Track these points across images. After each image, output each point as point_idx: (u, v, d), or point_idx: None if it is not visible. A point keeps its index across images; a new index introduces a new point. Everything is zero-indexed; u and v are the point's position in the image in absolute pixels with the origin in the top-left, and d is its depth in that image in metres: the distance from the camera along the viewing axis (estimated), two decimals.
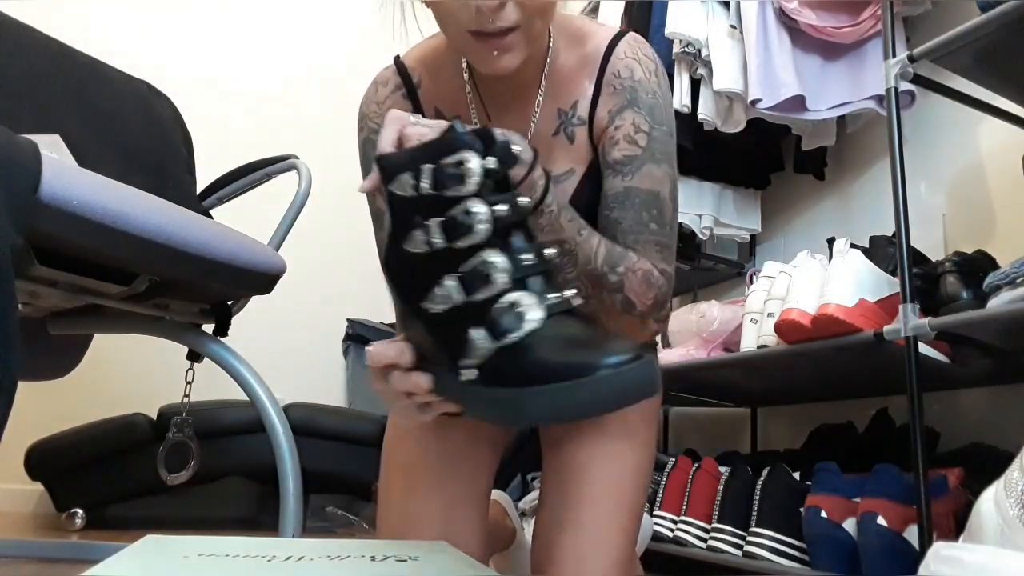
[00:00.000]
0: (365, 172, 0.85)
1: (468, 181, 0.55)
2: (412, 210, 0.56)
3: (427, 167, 0.55)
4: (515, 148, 0.59)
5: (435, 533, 0.80)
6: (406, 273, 0.59)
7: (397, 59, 0.87)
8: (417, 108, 0.85)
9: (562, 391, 0.49)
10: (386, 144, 0.60)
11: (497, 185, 0.56)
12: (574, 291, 0.56)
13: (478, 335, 0.53)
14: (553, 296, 0.55)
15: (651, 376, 0.50)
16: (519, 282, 0.54)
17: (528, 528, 1.37)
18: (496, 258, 0.54)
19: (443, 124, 0.61)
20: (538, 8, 0.70)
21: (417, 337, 0.59)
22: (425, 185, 0.55)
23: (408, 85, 0.85)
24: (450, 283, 0.55)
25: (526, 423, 0.55)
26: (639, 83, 0.80)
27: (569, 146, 0.82)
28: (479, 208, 0.54)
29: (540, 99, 0.82)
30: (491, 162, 0.56)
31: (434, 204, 0.55)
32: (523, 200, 0.57)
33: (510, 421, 0.54)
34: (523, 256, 0.55)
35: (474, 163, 0.55)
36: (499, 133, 0.59)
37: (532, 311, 0.53)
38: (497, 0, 0.66)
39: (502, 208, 0.55)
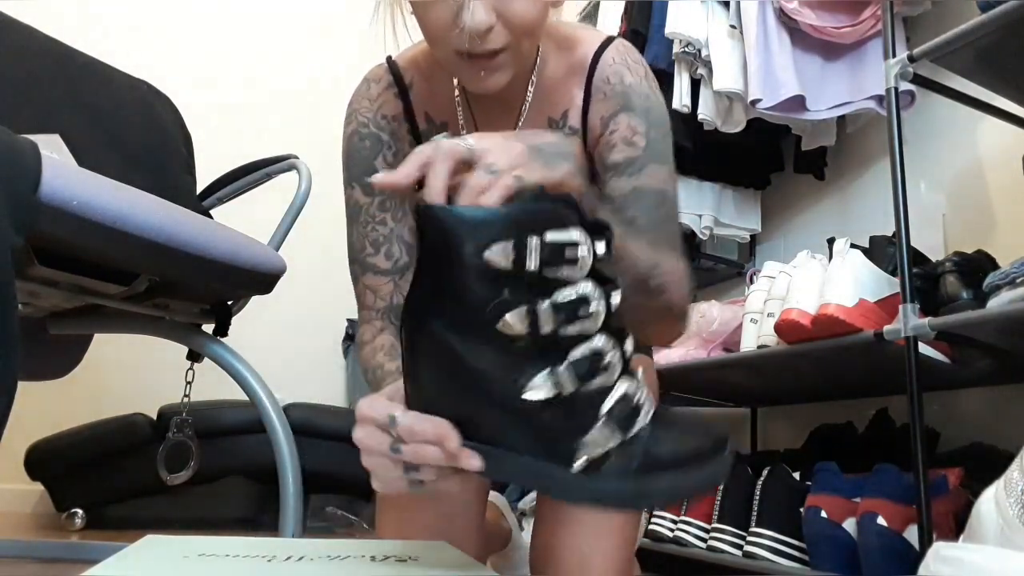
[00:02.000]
0: (348, 168, 0.86)
1: (583, 266, 0.49)
2: (505, 285, 0.48)
3: (535, 241, 0.48)
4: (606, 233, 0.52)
5: (433, 533, 0.80)
6: (484, 350, 0.50)
7: (389, 59, 0.87)
8: (408, 109, 0.85)
9: (680, 477, 0.50)
10: (438, 184, 0.52)
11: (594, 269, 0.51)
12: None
13: (600, 431, 0.50)
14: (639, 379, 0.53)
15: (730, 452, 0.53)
16: (623, 374, 0.51)
17: (528, 528, 1.37)
18: (608, 347, 0.50)
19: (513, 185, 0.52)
20: (526, 30, 0.69)
21: (458, 408, 0.51)
22: (532, 263, 0.48)
23: (400, 86, 0.85)
24: (564, 375, 0.49)
25: (631, 508, 0.53)
26: (630, 87, 0.80)
27: None
28: (595, 295, 0.50)
29: (526, 108, 0.82)
30: (601, 248, 0.51)
31: (540, 284, 0.49)
32: (616, 296, 0.52)
33: (613, 507, 0.53)
34: (626, 344, 0.52)
35: (586, 246, 0.49)
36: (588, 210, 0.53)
37: (647, 402, 0.52)
38: (485, 25, 0.66)
39: (615, 297, 0.51)
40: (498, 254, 0.47)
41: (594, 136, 0.82)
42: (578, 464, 0.50)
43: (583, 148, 0.82)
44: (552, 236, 0.48)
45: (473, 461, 0.50)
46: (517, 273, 0.48)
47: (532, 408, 0.49)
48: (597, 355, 0.50)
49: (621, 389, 0.51)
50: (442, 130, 0.84)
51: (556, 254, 0.48)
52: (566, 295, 0.49)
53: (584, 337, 0.50)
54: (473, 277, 0.48)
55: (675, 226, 0.80)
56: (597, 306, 0.50)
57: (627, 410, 0.51)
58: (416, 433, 0.51)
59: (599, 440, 0.50)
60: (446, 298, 0.50)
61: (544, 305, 0.48)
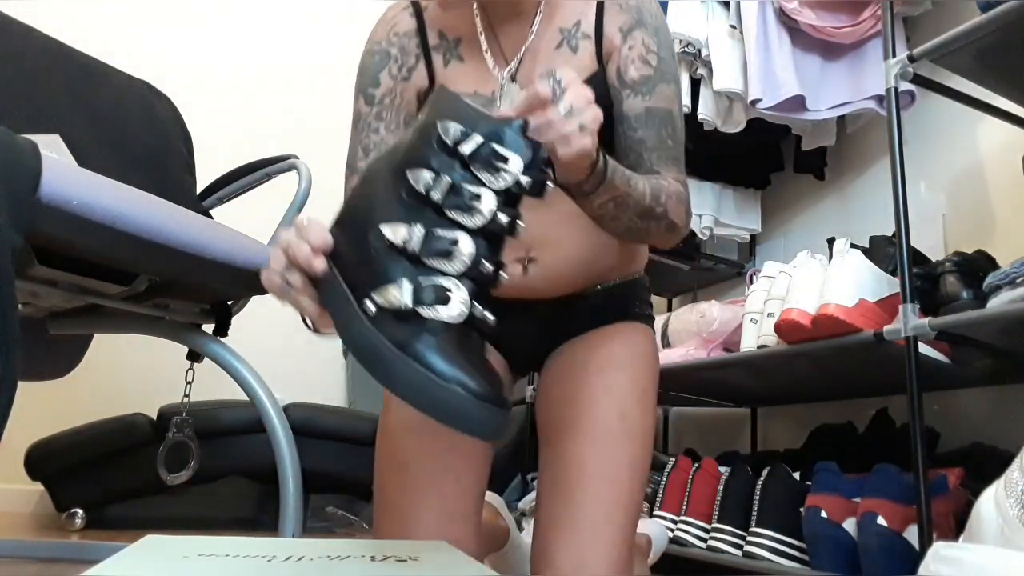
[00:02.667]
0: (358, 80, 0.92)
1: (498, 179, 0.57)
2: (437, 155, 0.57)
3: (478, 138, 0.57)
4: (548, 187, 0.60)
5: (430, 533, 0.80)
6: (389, 187, 0.59)
7: None
8: (421, 28, 0.91)
9: (421, 378, 0.52)
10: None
11: (510, 198, 0.58)
12: (492, 317, 0.58)
13: (403, 288, 0.55)
14: (479, 309, 0.56)
15: (494, 422, 0.52)
16: (464, 278, 0.56)
17: (528, 528, 1.37)
18: (468, 247, 0.56)
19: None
20: None
21: (351, 246, 0.60)
22: (465, 149, 0.56)
23: (416, 8, 0.92)
24: (417, 232, 0.56)
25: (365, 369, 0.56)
26: (643, 3, 0.88)
27: (571, 56, 0.87)
28: (489, 204, 0.56)
29: (539, 17, 0.88)
30: (525, 182, 0.58)
31: (458, 166, 0.57)
32: (520, 225, 0.59)
33: (361, 360, 0.56)
34: (487, 265, 0.57)
35: (513, 169, 0.57)
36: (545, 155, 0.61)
37: (456, 307, 0.55)
38: None
39: (501, 219, 0.57)
40: (448, 129, 0.57)
41: (610, 45, 0.87)
42: (367, 304, 0.55)
43: (596, 54, 0.87)
44: (495, 146, 0.57)
45: (318, 264, 0.58)
46: (451, 152, 0.57)
47: (383, 250, 0.56)
48: (454, 242, 0.56)
49: (449, 281, 0.55)
50: (456, 45, 0.90)
51: (487, 159, 0.57)
52: (468, 189, 0.56)
53: (456, 223, 0.56)
54: (425, 136, 0.58)
55: (680, 143, 0.88)
56: (485, 214, 0.56)
57: (434, 296, 0.55)
58: (307, 230, 0.59)
59: (393, 295, 0.55)
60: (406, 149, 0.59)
61: (445, 180, 0.56)
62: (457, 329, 0.55)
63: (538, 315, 0.93)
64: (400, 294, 0.54)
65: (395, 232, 0.56)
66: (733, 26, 1.74)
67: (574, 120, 0.61)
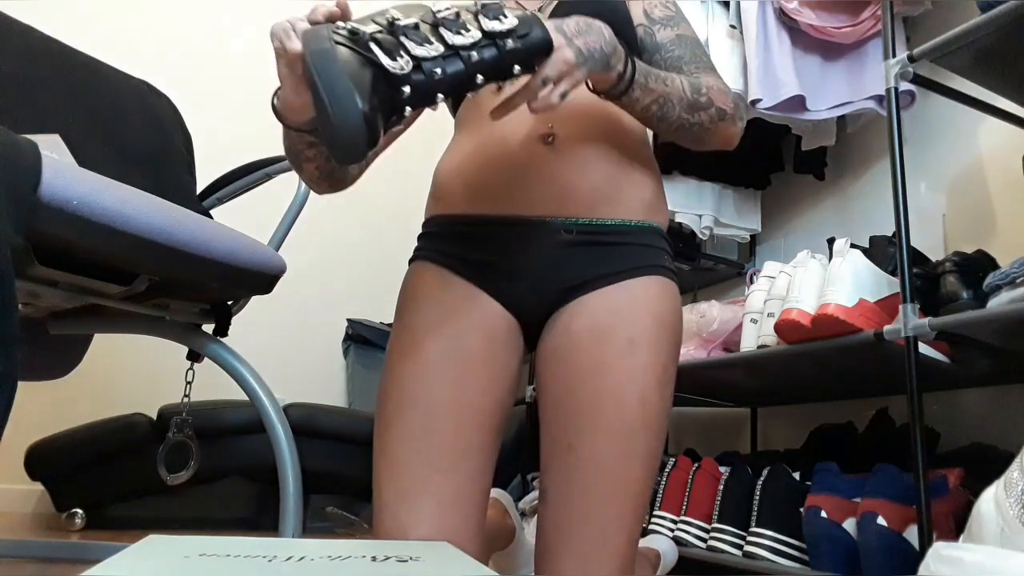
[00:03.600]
0: None
1: (489, 27, 0.71)
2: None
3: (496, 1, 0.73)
4: (513, 71, 0.73)
5: (432, 531, 0.79)
6: None
7: None
8: None
9: (336, 72, 0.63)
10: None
11: (498, 48, 0.71)
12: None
13: (370, 28, 0.67)
14: (409, 88, 0.68)
15: (359, 136, 0.62)
16: (417, 68, 0.68)
17: (528, 528, 1.37)
18: (434, 51, 0.68)
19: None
20: None
21: (366, 16, 0.71)
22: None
23: None
24: (410, 21, 0.70)
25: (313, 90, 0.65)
26: None
27: None
28: (471, 38, 0.70)
29: None
30: (520, 47, 0.72)
31: (470, 6, 0.72)
32: (478, 80, 0.71)
33: (307, 48, 0.66)
34: (437, 74, 0.68)
35: (504, 27, 0.71)
36: (539, 38, 0.73)
37: (395, 64, 0.66)
38: None
39: (472, 56, 0.69)
40: None
41: None
42: (340, 27, 0.68)
43: None
44: (506, 12, 0.73)
45: (336, 10, 0.71)
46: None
47: (380, 19, 0.69)
48: (429, 42, 0.69)
49: (405, 53, 0.68)
50: None
51: (495, 13, 0.72)
52: (458, 24, 0.71)
53: (440, 36, 0.70)
54: None
55: (709, 57, 1.00)
56: (470, 38, 0.70)
57: (389, 48, 0.67)
58: (316, 8, 0.72)
59: (361, 28, 0.67)
60: None
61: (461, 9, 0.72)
62: (384, 78, 0.66)
63: (561, 243, 0.89)
64: (367, 29, 0.67)
65: (396, 13, 0.70)
66: (733, 26, 1.74)
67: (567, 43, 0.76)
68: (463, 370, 0.87)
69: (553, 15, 0.97)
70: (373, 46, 0.66)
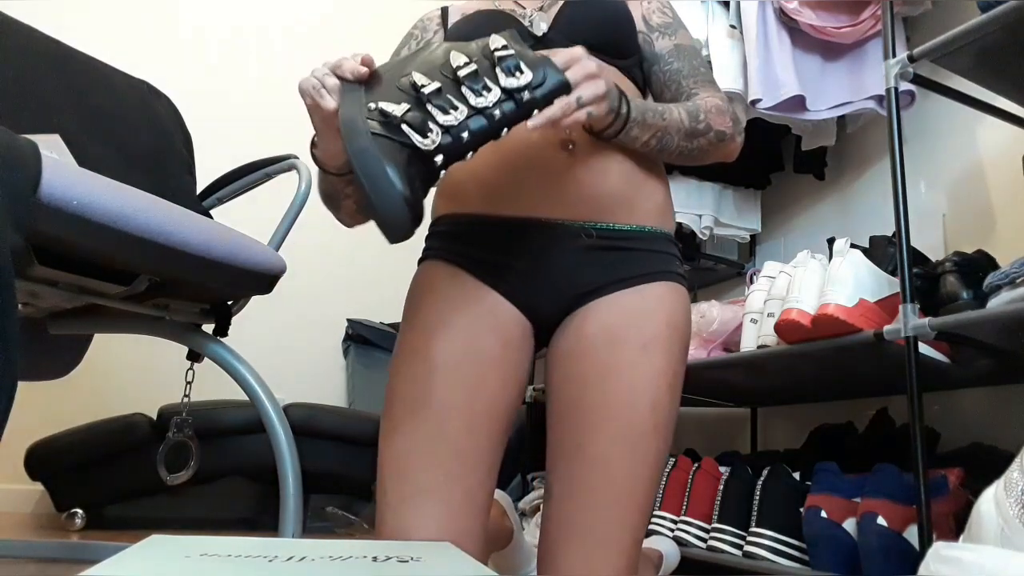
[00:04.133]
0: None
1: (508, 83, 0.73)
2: (478, 51, 0.76)
3: (511, 52, 0.75)
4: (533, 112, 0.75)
5: (434, 532, 0.78)
6: (435, 56, 0.77)
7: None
8: (444, 15, 1.06)
9: (373, 156, 0.68)
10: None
11: (517, 103, 0.74)
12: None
13: (400, 107, 0.71)
14: (441, 158, 0.72)
15: (404, 218, 0.67)
16: (446, 132, 0.72)
17: (528, 528, 1.37)
18: (461, 115, 0.72)
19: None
20: None
21: (384, 77, 0.77)
22: (499, 55, 0.74)
23: (443, 11, 1.07)
24: (434, 87, 0.73)
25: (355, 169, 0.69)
26: None
27: None
28: (493, 97, 0.73)
29: None
30: (538, 96, 0.74)
31: (487, 64, 0.75)
32: (504, 132, 0.75)
33: (344, 129, 0.71)
34: (465, 137, 0.73)
35: (522, 83, 0.74)
36: (556, 82, 0.76)
37: (427, 141, 0.70)
38: None
39: (495, 113, 0.73)
40: (498, 45, 0.76)
41: None
42: (370, 104, 0.72)
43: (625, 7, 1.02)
44: (522, 65, 0.75)
45: (360, 69, 0.76)
46: (482, 55, 0.76)
47: (404, 83, 0.74)
48: (455, 107, 0.72)
49: (434, 125, 0.71)
50: (474, 18, 1.01)
51: (514, 61, 0.75)
52: (483, 81, 0.74)
53: (464, 98, 0.73)
54: (477, 46, 0.78)
55: (707, 68, 1.01)
56: (491, 100, 0.73)
57: (419, 124, 0.71)
58: (355, 57, 0.77)
59: (392, 107, 0.71)
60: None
61: (471, 67, 0.74)
62: (419, 157, 0.70)
63: (580, 247, 0.89)
64: (397, 109, 0.71)
65: (420, 79, 0.73)
66: (733, 26, 1.74)
67: (572, 97, 0.76)
68: (477, 372, 0.86)
69: (559, 15, 0.97)
70: (405, 128, 0.70)
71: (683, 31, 1.02)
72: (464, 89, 0.73)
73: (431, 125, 0.71)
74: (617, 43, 0.97)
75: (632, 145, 0.89)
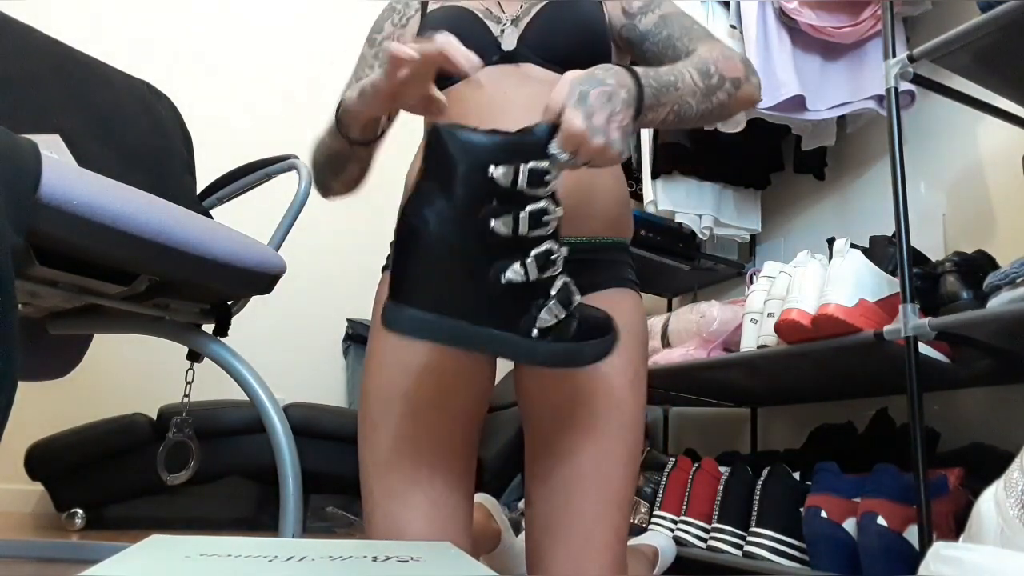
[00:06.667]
0: (369, 32, 1.04)
1: (549, 185, 0.68)
2: (502, 200, 0.66)
3: (524, 168, 0.66)
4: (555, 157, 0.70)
5: (420, 534, 0.80)
6: (467, 239, 0.67)
7: None
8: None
9: (600, 343, 0.72)
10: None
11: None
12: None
13: (548, 308, 0.69)
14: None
15: (605, 349, 0.73)
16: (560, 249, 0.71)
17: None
18: (556, 246, 0.70)
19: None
20: None
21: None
22: (521, 184, 0.66)
23: None
24: (529, 262, 0.68)
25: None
26: None
27: None
28: (553, 208, 0.69)
29: None
30: (558, 177, 0.69)
31: (520, 198, 0.67)
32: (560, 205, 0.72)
33: (561, 363, 0.71)
34: (563, 246, 0.72)
35: (554, 173, 0.68)
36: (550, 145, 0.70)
37: (575, 289, 0.72)
38: None
39: (559, 211, 0.70)
40: (501, 174, 0.65)
41: None
42: (536, 332, 0.69)
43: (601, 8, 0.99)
44: (534, 164, 0.67)
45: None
46: (509, 189, 0.66)
47: (504, 289, 0.67)
48: (550, 252, 0.69)
49: (563, 278, 0.71)
50: (443, 12, 0.99)
51: (536, 177, 0.67)
52: (537, 207, 0.67)
53: (542, 239, 0.69)
54: (473, 188, 0.65)
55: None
56: (554, 215, 0.69)
57: (568, 293, 0.71)
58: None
59: (550, 314, 0.69)
60: (445, 199, 0.65)
61: (523, 214, 0.67)
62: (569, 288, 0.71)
63: None
64: (552, 313, 0.70)
65: (516, 275, 0.68)
66: (733, 26, 1.74)
67: (599, 137, 0.69)
68: (448, 370, 0.88)
69: (526, 31, 0.95)
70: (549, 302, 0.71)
71: (667, 2, 0.98)
72: (537, 233, 0.69)
73: (554, 279, 0.71)
74: (590, 61, 0.89)
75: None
